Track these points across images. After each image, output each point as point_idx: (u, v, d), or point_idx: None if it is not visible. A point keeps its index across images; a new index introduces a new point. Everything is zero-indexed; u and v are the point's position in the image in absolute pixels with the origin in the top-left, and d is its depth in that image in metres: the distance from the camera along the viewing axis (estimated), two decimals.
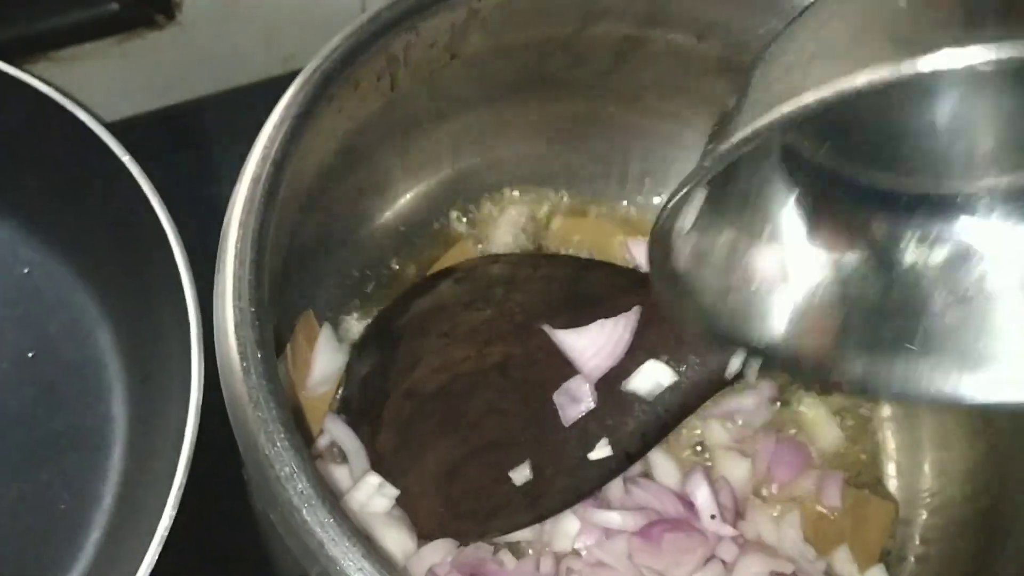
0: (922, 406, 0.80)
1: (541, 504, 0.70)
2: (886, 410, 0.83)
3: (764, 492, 0.78)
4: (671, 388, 0.68)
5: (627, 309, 0.70)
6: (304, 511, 0.50)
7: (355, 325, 0.82)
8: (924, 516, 0.77)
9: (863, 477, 0.81)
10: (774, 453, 0.77)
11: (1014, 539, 0.63)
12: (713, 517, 0.71)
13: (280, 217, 0.60)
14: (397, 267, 0.84)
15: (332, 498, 0.50)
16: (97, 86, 0.95)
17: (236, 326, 0.54)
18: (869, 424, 0.83)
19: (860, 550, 0.76)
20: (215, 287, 0.56)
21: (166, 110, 1.02)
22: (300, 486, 0.50)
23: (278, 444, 0.51)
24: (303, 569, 0.51)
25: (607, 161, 0.87)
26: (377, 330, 0.79)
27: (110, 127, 0.96)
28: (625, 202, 0.89)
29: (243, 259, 0.55)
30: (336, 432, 0.75)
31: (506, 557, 0.72)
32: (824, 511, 0.78)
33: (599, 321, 0.69)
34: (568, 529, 0.71)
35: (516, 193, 0.88)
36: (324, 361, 0.78)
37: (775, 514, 0.77)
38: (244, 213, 0.57)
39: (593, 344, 0.69)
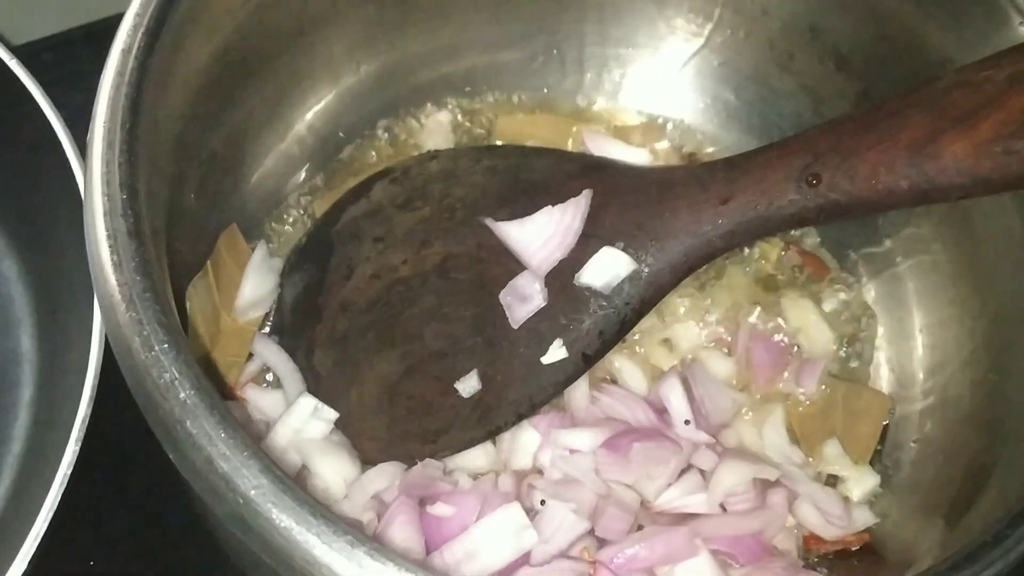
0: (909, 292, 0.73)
1: (493, 417, 0.62)
2: (872, 300, 0.75)
3: (746, 394, 0.71)
4: (630, 279, 0.60)
5: (577, 194, 0.61)
6: (188, 423, 0.42)
7: (292, 238, 0.75)
8: (919, 414, 0.69)
9: (856, 375, 0.74)
10: (755, 348, 0.70)
11: (1012, 442, 0.56)
12: (687, 423, 0.64)
13: (165, 99, 0.53)
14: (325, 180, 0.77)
15: (223, 407, 0.43)
16: (7, 5, 0.87)
17: (106, 214, 0.46)
18: (860, 322, 0.75)
19: (852, 445, 0.69)
20: (84, 175, 0.48)
21: (83, 28, 0.95)
22: (183, 395, 0.42)
23: (156, 348, 0.43)
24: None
25: (551, 49, 0.80)
26: (310, 242, 0.72)
27: (23, 49, 0.89)
28: (577, 94, 0.82)
29: (112, 141, 0.47)
30: (266, 354, 0.68)
31: (462, 477, 0.64)
32: (812, 409, 0.71)
33: (545, 209, 0.61)
34: (527, 445, 0.64)
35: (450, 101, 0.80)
36: (255, 283, 0.70)
37: (758, 416, 0.70)
38: (113, 89, 0.49)
39: (540, 235, 0.61)
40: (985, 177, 0.52)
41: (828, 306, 0.76)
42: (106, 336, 0.61)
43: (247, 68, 0.65)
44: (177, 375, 0.43)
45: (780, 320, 0.74)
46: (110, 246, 0.45)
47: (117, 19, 0.86)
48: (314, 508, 0.41)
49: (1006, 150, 0.51)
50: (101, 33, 0.89)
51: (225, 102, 0.66)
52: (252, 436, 0.43)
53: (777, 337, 0.72)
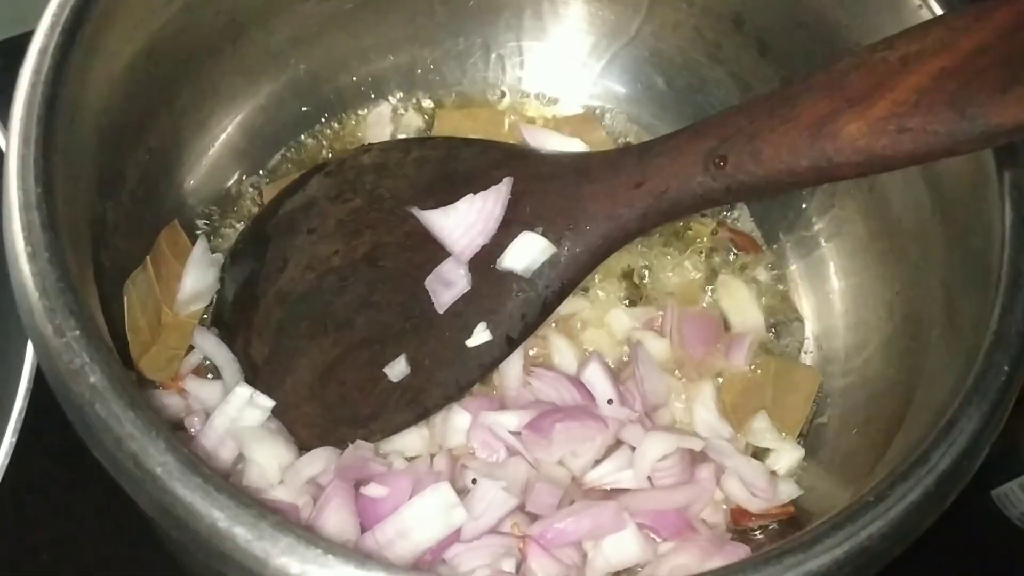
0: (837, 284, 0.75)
1: (422, 400, 0.64)
2: (799, 280, 0.78)
3: (682, 379, 0.73)
4: (550, 262, 0.62)
5: (498, 181, 0.63)
6: (97, 406, 0.44)
7: (232, 234, 0.77)
8: (841, 389, 0.71)
9: (784, 352, 0.76)
10: (685, 327, 0.72)
11: (917, 407, 0.58)
12: (611, 402, 0.66)
13: (85, 97, 0.54)
14: (265, 176, 0.79)
15: (132, 391, 0.44)
16: None
17: (21, 208, 0.47)
18: (787, 301, 0.77)
19: (782, 420, 0.71)
20: (2, 171, 0.49)
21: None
22: (93, 379, 0.44)
23: (67, 335, 0.45)
24: None
25: (486, 45, 0.82)
26: (249, 236, 0.73)
27: None
28: (508, 88, 0.84)
29: (27, 137, 0.49)
30: (206, 346, 0.70)
31: (396, 460, 0.66)
32: (744, 385, 0.73)
33: (467, 197, 0.63)
34: (458, 425, 0.66)
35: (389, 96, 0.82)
36: (195, 277, 0.72)
37: (691, 396, 0.71)
38: (30, 87, 0.50)
39: (462, 222, 0.63)
40: (880, 155, 0.53)
41: (757, 284, 0.77)
42: None
43: (179, 66, 0.67)
44: (87, 360, 0.44)
45: (711, 298, 0.76)
46: (24, 237, 0.47)
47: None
48: (219, 484, 0.42)
49: (899, 128, 0.52)
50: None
51: (158, 100, 0.67)
52: (164, 420, 0.45)
53: (707, 315, 0.74)
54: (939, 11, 0.60)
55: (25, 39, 0.91)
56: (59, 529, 0.72)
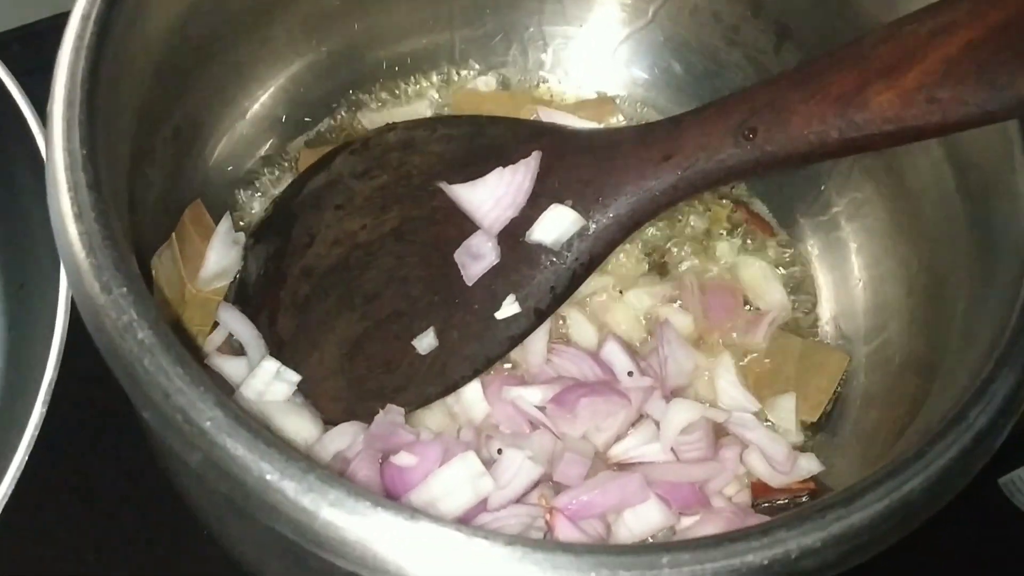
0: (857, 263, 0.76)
1: (450, 372, 0.64)
2: (822, 274, 0.78)
3: (706, 354, 0.74)
4: (579, 235, 0.63)
5: (527, 156, 0.64)
6: (146, 361, 0.44)
7: (256, 212, 0.77)
8: (863, 366, 0.72)
9: (803, 331, 0.77)
10: (706, 296, 0.73)
11: (941, 379, 0.58)
12: (631, 374, 0.66)
13: (125, 65, 0.55)
14: (289, 155, 0.79)
15: (179, 347, 0.45)
16: None
17: (67, 168, 0.48)
18: (807, 276, 0.78)
19: (804, 399, 0.72)
20: (46, 133, 0.50)
21: (55, 19, 0.96)
22: (141, 335, 0.44)
23: (114, 291, 0.45)
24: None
25: (508, 28, 0.83)
26: (274, 213, 0.74)
27: None
28: (532, 72, 0.85)
29: (72, 100, 0.49)
30: (230, 322, 0.70)
31: (424, 432, 0.66)
32: (768, 365, 0.74)
33: (496, 170, 0.64)
34: (471, 396, 0.66)
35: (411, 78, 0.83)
36: (219, 254, 0.72)
37: (714, 372, 0.72)
38: (73, 52, 0.51)
39: (491, 195, 0.63)
40: (911, 124, 0.54)
41: (775, 265, 0.78)
42: (71, 303, 0.63)
43: (207, 44, 0.67)
44: (135, 316, 0.45)
45: (731, 275, 0.77)
46: (71, 197, 0.47)
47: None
48: (268, 438, 0.43)
49: (929, 98, 0.53)
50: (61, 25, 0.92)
51: (187, 78, 0.68)
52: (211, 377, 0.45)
53: (726, 283, 0.75)
54: None
55: (43, 23, 0.93)
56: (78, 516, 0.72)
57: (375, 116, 0.82)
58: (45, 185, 0.64)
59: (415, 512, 0.42)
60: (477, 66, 0.84)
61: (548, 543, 0.40)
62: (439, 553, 0.41)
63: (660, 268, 0.77)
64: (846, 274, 0.76)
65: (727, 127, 0.58)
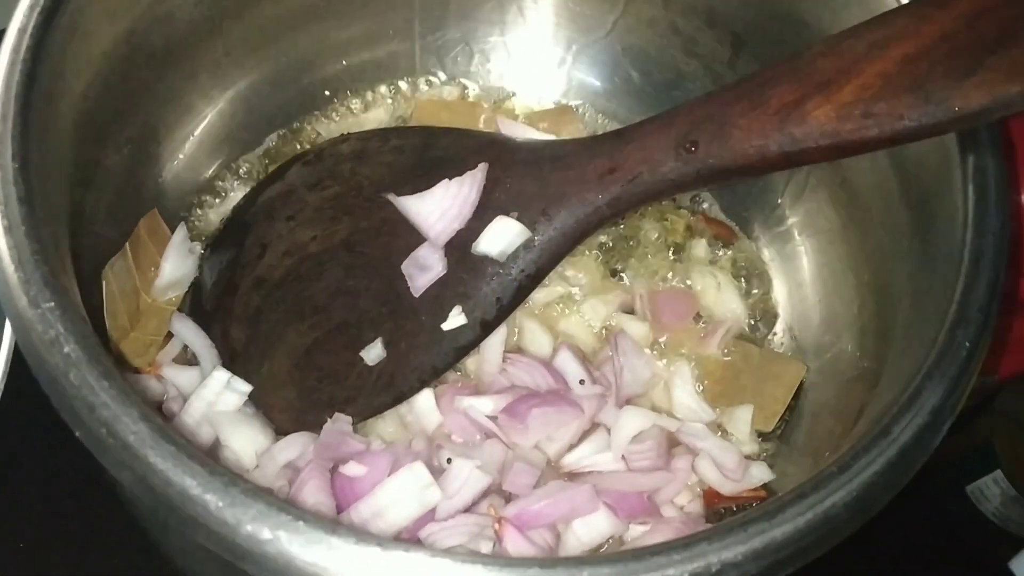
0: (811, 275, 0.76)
1: (398, 383, 0.65)
2: (778, 282, 0.79)
3: (657, 353, 0.75)
4: (525, 246, 0.63)
5: (474, 167, 0.64)
6: (71, 375, 0.44)
7: (212, 222, 0.77)
8: (814, 375, 0.73)
9: (761, 340, 0.77)
10: (658, 300, 0.74)
11: (883, 389, 0.59)
12: (582, 382, 0.67)
13: (64, 79, 0.55)
14: (244, 166, 0.79)
15: (106, 361, 0.45)
16: None
17: None
18: (761, 293, 0.79)
19: (762, 408, 0.72)
20: None
21: None
22: (67, 349, 0.45)
23: (42, 306, 0.45)
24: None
25: (468, 39, 0.83)
26: (229, 224, 0.74)
27: None
28: (492, 82, 0.85)
29: (4, 114, 0.49)
30: (183, 332, 0.70)
31: (375, 442, 0.67)
32: (725, 373, 0.74)
33: (443, 182, 0.64)
34: (423, 404, 0.66)
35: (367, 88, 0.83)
36: (174, 264, 0.72)
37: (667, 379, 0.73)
38: (8, 65, 0.51)
39: (438, 207, 0.64)
40: (847, 139, 0.54)
41: (733, 274, 0.79)
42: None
43: (158, 56, 0.67)
44: (62, 331, 0.45)
45: (687, 284, 0.77)
46: (1, 211, 0.47)
47: None
48: (191, 452, 0.43)
49: (865, 113, 0.53)
50: None
51: (138, 89, 0.68)
52: (138, 391, 0.45)
53: (678, 290, 0.75)
54: (906, 0, 0.61)
55: None
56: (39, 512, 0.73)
57: (334, 126, 0.82)
58: None
59: (337, 525, 0.42)
60: (439, 76, 0.85)
61: (456, 554, 0.41)
62: (360, 567, 0.41)
63: (616, 275, 0.77)
64: (801, 284, 0.77)
65: (669, 140, 0.59)
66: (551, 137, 0.80)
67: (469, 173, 0.64)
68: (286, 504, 0.42)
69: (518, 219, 0.63)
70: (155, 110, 0.71)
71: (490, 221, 0.63)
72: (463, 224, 0.64)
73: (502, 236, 0.63)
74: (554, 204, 0.62)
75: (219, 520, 0.42)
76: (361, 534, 0.42)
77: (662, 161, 0.59)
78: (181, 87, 0.73)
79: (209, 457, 0.44)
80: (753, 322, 0.78)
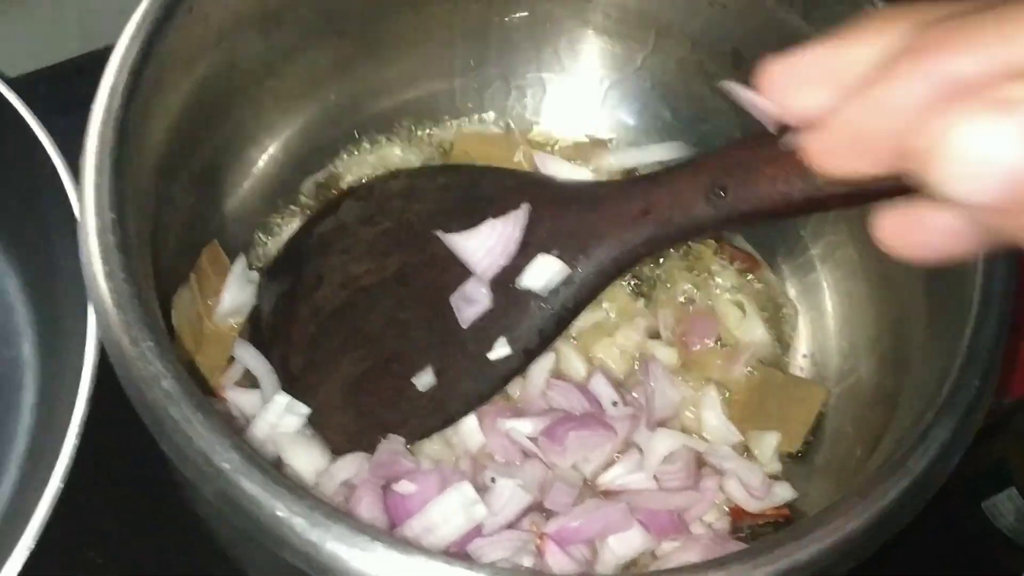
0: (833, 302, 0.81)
1: (447, 408, 0.70)
2: (801, 310, 0.83)
3: (686, 377, 0.79)
4: (565, 282, 0.68)
5: (517, 207, 0.69)
6: (169, 409, 0.49)
7: (269, 252, 0.83)
8: (834, 398, 0.77)
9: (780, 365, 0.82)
10: (685, 326, 0.79)
11: (903, 411, 0.63)
12: (615, 404, 0.72)
13: (148, 130, 0.60)
14: (308, 192, 0.84)
15: (199, 395, 0.50)
16: (4, 38, 0.94)
17: (98, 232, 0.53)
18: (783, 318, 0.83)
19: (786, 431, 0.76)
20: (79, 197, 0.55)
21: (76, 60, 1.01)
22: (165, 384, 0.50)
23: (141, 345, 0.50)
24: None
25: (504, 76, 0.88)
26: (285, 255, 0.79)
27: (20, 80, 0.96)
28: (528, 116, 0.90)
29: (102, 167, 0.55)
30: (245, 357, 0.75)
31: (424, 462, 0.72)
32: (749, 397, 0.78)
33: (489, 221, 0.69)
34: (468, 426, 0.71)
35: (411, 124, 0.88)
36: (234, 292, 0.77)
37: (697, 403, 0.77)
38: (102, 122, 0.56)
39: (484, 244, 0.69)
40: (868, 188, 0.59)
41: (756, 301, 0.83)
42: (100, 341, 0.69)
43: (223, 97, 0.72)
44: (160, 368, 0.50)
45: (712, 310, 0.82)
46: (102, 258, 0.52)
47: (99, 52, 0.95)
48: (278, 478, 0.48)
49: None
50: (86, 65, 0.97)
51: (203, 128, 0.73)
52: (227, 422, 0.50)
53: (701, 312, 0.80)
54: None
55: (68, 64, 0.98)
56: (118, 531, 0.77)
57: (378, 159, 0.87)
58: (71, 220, 0.70)
59: (408, 546, 0.47)
60: (475, 112, 0.89)
61: (507, 571, 0.45)
62: None
63: (642, 299, 0.82)
64: (822, 313, 0.81)
65: (699, 186, 0.63)
66: (585, 171, 0.85)
67: (513, 213, 0.68)
68: (364, 525, 0.47)
69: (559, 256, 0.67)
70: (217, 149, 0.76)
71: (533, 258, 0.68)
72: (508, 260, 0.68)
73: (544, 273, 0.67)
74: (592, 243, 0.67)
75: (304, 540, 0.47)
76: (429, 553, 0.47)
77: (693, 205, 0.63)
78: (240, 126, 0.78)
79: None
80: (775, 346, 0.82)
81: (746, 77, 0.81)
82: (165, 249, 0.71)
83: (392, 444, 0.69)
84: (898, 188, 0.59)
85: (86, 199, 0.54)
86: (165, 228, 0.71)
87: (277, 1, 0.70)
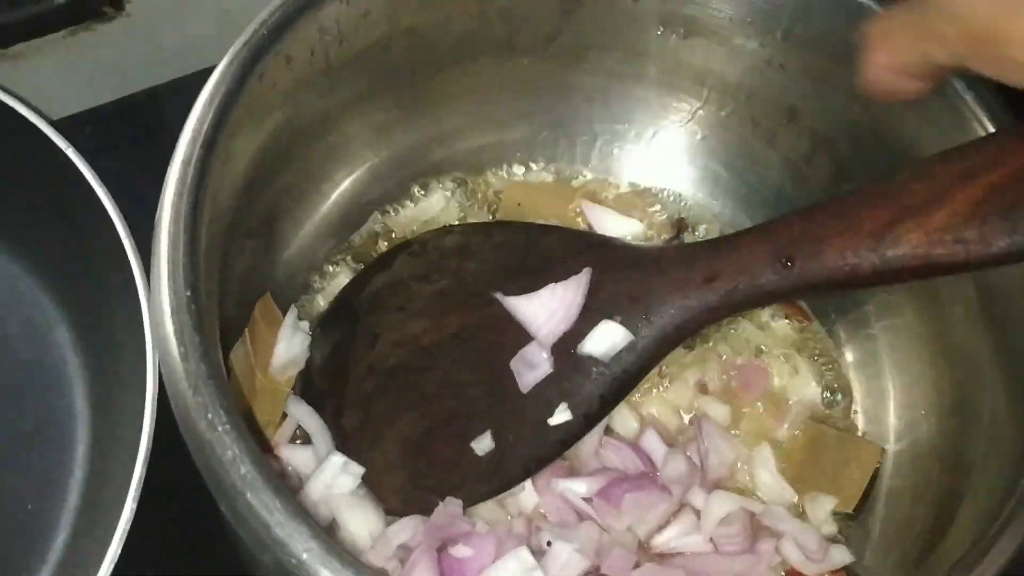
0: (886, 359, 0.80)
1: (505, 472, 0.69)
2: (853, 366, 0.83)
3: (738, 431, 0.79)
4: (627, 348, 0.67)
5: (578, 272, 0.69)
6: (248, 495, 0.49)
7: (319, 304, 0.82)
8: (891, 460, 0.77)
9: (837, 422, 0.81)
10: (734, 373, 0.79)
11: (974, 480, 0.63)
12: (668, 464, 0.72)
13: (216, 199, 0.60)
14: (358, 243, 0.84)
15: (277, 480, 0.50)
16: (49, 81, 0.94)
17: (173, 311, 0.53)
18: (837, 372, 0.83)
19: (840, 492, 0.76)
20: (151, 272, 0.55)
21: (121, 102, 1.02)
22: (244, 470, 0.50)
23: (219, 428, 0.50)
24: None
25: (555, 126, 0.87)
26: (337, 309, 0.79)
27: (64, 122, 0.97)
28: (577, 165, 0.89)
29: (176, 242, 0.54)
30: (299, 414, 0.75)
31: (479, 523, 0.71)
32: (802, 456, 0.78)
33: (550, 285, 0.69)
34: (525, 489, 0.71)
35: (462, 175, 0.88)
36: (287, 345, 0.77)
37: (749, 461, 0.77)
38: (176, 196, 0.56)
39: (545, 309, 0.68)
40: (937, 262, 0.58)
41: (808, 355, 0.83)
42: (158, 395, 0.68)
43: (281, 157, 0.72)
44: (238, 452, 0.50)
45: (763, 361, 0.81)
46: (177, 339, 0.52)
47: (143, 93, 0.95)
48: (358, 568, 0.48)
49: (956, 239, 0.57)
50: (131, 106, 0.97)
51: (263, 186, 0.73)
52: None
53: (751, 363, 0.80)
54: (991, 127, 0.65)
55: (111, 105, 0.98)
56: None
57: (429, 208, 0.87)
58: (121, 269, 0.70)
59: None
60: (525, 161, 0.89)
61: None
62: None
63: (696, 350, 0.81)
64: (878, 370, 0.80)
65: (766, 255, 0.63)
66: (635, 222, 0.85)
67: (574, 278, 0.68)
68: None
69: (621, 323, 0.67)
70: (272, 204, 0.76)
71: (594, 323, 0.67)
72: (569, 326, 0.68)
73: (606, 339, 0.67)
74: (655, 309, 0.66)
75: None
76: None
77: (760, 274, 0.63)
78: (294, 182, 0.78)
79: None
80: (827, 403, 0.81)
81: (801, 133, 0.82)
82: (224, 303, 0.71)
83: (450, 507, 0.69)
84: (973, 262, 0.59)
85: (161, 279, 0.54)
86: (224, 285, 0.71)
87: (338, 61, 0.69)
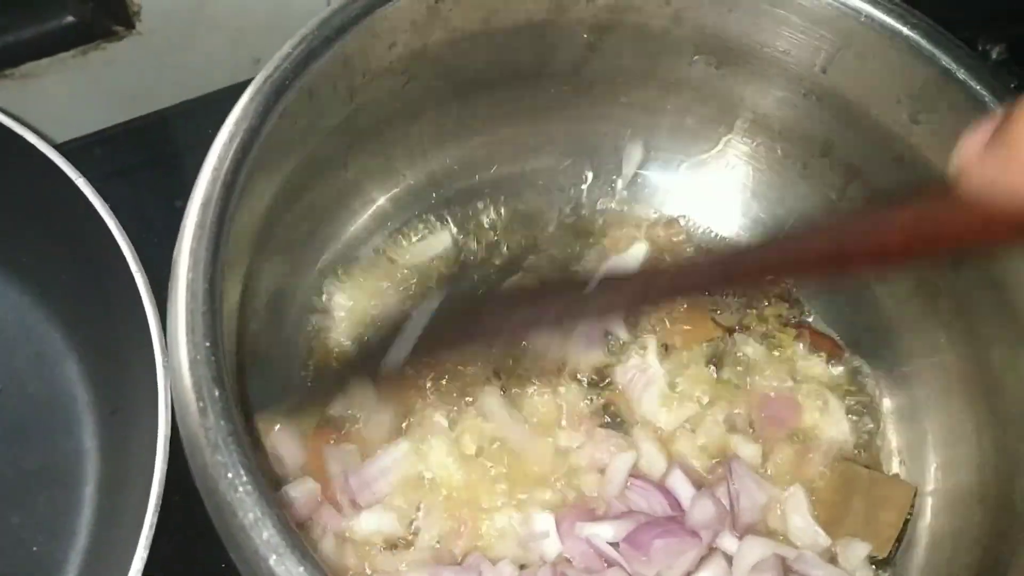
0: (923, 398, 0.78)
1: None
2: (887, 404, 0.80)
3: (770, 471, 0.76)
4: None
5: None
6: (271, 560, 0.46)
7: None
8: (929, 502, 0.74)
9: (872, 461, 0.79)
10: (763, 408, 0.77)
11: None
12: (696, 506, 0.70)
13: (237, 242, 0.57)
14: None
15: (301, 545, 0.47)
16: (58, 102, 0.92)
17: (191, 364, 0.50)
18: (872, 416, 0.80)
19: (874, 535, 0.73)
20: (167, 322, 0.53)
21: (131, 123, 0.99)
22: (266, 534, 0.47)
23: (240, 490, 0.48)
24: None
25: (578, 153, 0.85)
26: None
27: (73, 143, 0.94)
28: (601, 193, 0.88)
29: (195, 291, 0.52)
30: None
31: (505, 568, 0.69)
32: (834, 496, 0.75)
33: None
34: (546, 532, 0.69)
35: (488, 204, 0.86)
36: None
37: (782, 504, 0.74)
38: (195, 240, 0.53)
39: None
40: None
41: (839, 391, 0.80)
42: (170, 437, 0.66)
43: (298, 192, 0.70)
44: (260, 515, 0.47)
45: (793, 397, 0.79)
46: (195, 393, 0.50)
47: (154, 115, 0.93)
48: None
49: None
50: (141, 127, 0.95)
51: (281, 229, 0.70)
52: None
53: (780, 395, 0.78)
54: None
55: (120, 127, 0.96)
56: None
57: (447, 236, 0.85)
58: (132, 303, 0.67)
59: None
60: (550, 191, 0.87)
61: None
62: None
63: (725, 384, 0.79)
64: (914, 410, 0.78)
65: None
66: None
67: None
68: None
69: None
70: (287, 240, 0.74)
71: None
72: None
73: None
74: None
75: None
76: None
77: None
78: (312, 215, 0.75)
79: None
80: (864, 444, 0.79)
81: (833, 164, 0.80)
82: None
83: (474, 558, 0.66)
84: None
85: (178, 330, 0.51)
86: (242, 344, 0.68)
87: (361, 93, 0.67)
